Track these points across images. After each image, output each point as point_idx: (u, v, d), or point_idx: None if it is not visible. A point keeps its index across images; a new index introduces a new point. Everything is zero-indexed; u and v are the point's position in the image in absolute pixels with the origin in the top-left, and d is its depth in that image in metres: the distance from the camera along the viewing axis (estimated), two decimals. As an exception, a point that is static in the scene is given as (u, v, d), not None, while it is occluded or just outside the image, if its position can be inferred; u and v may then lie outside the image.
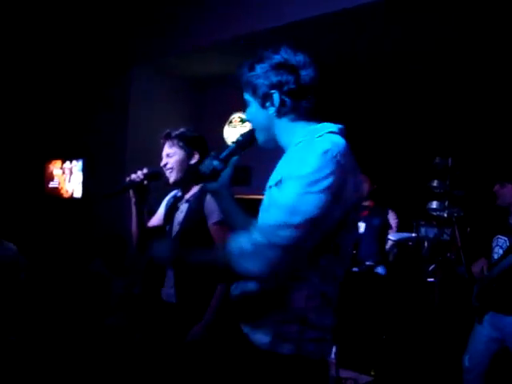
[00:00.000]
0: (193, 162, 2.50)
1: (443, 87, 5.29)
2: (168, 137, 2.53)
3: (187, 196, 2.53)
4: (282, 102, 1.55)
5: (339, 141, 1.46)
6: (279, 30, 4.19)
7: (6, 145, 6.37)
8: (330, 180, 1.36)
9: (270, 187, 1.52)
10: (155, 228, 2.61)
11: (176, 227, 2.49)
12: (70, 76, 6.18)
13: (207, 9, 4.76)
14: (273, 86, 1.55)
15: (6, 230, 4.78)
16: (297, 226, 1.34)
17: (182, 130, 2.56)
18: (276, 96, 1.55)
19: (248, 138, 1.73)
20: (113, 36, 5.69)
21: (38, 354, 3.82)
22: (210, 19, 4.74)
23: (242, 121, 5.63)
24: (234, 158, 1.75)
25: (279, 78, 1.54)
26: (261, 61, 1.58)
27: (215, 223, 2.36)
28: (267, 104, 1.57)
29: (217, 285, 2.37)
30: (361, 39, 4.43)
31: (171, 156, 2.50)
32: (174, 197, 2.66)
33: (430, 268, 4.29)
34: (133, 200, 2.44)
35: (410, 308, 4.17)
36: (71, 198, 6.07)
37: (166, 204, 2.68)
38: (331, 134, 1.48)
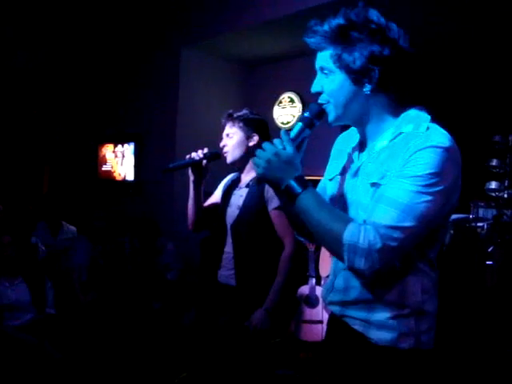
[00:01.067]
0: (251, 144, 2.49)
1: (502, 59, 5.05)
2: (230, 117, 2.53)
3: (246, 179, 2.52)
4: (382, 80, 1.36)
5: (449, 135, 1.34)
6: (333, 6, 4.08)
7: (60, 130, 6.54)
8: (447, 181, 1.29)
9: (375, 184, 1.37)
10: (211, 208, 2.61)
11: (235, 211, 2.48)
12: (121, 60, 6.27)
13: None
14: (373, 61, 1.33)
15: (63, 214, 4.96)
16: (410, 228, 1.27)
17: (244, 111, 2.55)
18: (376, 73, 1.35)
19: (316, 114, 1.45)
20: (162, 18, 5.71)
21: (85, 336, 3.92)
22: (259, -1, 4.69)
23: (292, 101, 5.56)
24: (305, 142, 1.48)
25: (381, 50, 1.33)
26: (355, 27, 1.34)
27: (276, 208, 2.34)
28: (365, 80, 1.36)
29: (278, 268, 2.35)
30: (419, 17, 4.27)
31: (231, 136, 2.49)
32: (233, 180, 2.65)
33: (489, 250, 4.14)
34: (191, 178, 2.48)
35: (467, 290, 4.05)
36: (124, 181, 6.17)
37: (224, 186, 2.67)
38: (437, 126, 1.36)
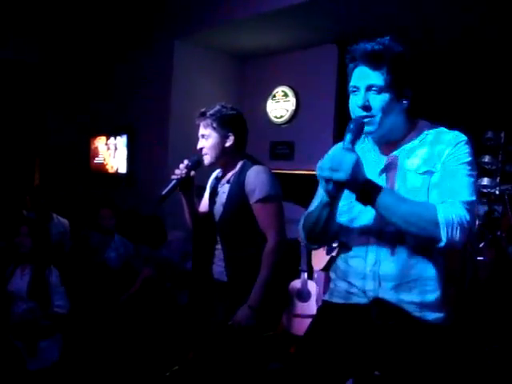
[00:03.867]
0: (228, 144, 2.42)
1: (493, 56, 5.06)
2: (202, 117, 2.44)
3: (228, 176, 2.48)
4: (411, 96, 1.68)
5: None
6: (321, 1, 4.09)
7: (52, 122, 6.50)
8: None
9: (426, 172, 1.63)
10: (206, 214, 2.59)
11: (219, 208, 2.46)
12: (114, 52, 6.23)
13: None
14: (412, 82, 1.66)
15: (55, 206, 4.92)
16: (475, 201, 1.59)
17: (216, 107, 2.45)
18: (411, 91, 1.67)
19: (361, 126, 1.61)
20: (155, 10, 5.67)
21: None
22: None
23: (286, 95, 5.54)
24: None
25: (413, 73, 1.66)
26: (399, 56, 1.63)
27: (257, 201, 2.32)
28: (404, 98, 1.66)
29: (261, 262, 2.31)
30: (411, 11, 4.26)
31: (206, 138, 2.42)
32: (217, 177, 2.61)
33: (480, 246, 4.16)
34: (181, 193, 2.45)
35: (459, 285, 4.07)
36: (116, 174, 6.15)
37: (210, 185, 2.64)
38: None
